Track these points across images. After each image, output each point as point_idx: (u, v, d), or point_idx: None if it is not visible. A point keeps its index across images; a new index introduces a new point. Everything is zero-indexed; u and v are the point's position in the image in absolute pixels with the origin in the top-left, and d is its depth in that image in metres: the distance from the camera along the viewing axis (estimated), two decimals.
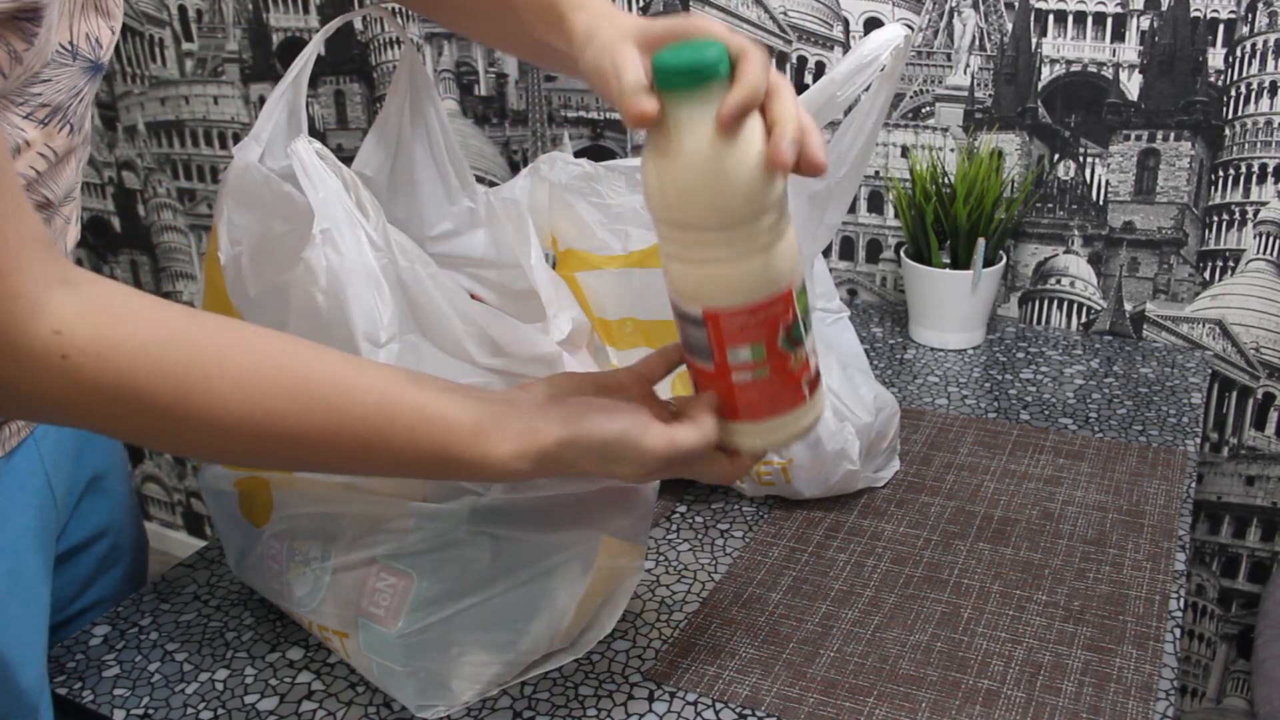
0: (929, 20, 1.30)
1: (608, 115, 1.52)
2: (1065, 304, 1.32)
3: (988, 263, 1.21)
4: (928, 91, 1.32)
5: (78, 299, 0.52)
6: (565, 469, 0.62)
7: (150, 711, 0.76)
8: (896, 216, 1.38)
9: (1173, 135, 1.22)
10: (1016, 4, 1.24)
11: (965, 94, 1.30)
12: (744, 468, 0.68)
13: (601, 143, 1.54)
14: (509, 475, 0.61)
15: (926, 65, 1.31)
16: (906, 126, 1.34)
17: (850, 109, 0.86)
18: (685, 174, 0.56)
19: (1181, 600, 0.83)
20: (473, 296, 0.76)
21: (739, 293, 0.60)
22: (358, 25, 1.65)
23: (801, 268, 0.63)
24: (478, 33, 0.81)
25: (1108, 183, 1.26)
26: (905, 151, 1.35)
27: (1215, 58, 1.17)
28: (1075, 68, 1.24)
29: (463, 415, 0.60)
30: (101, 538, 0.90)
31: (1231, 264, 1.23)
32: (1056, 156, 1.28)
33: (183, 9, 1.83)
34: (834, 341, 0.97)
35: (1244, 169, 1.20)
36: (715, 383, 0.64)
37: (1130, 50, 1.21)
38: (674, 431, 0.62)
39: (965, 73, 1.29)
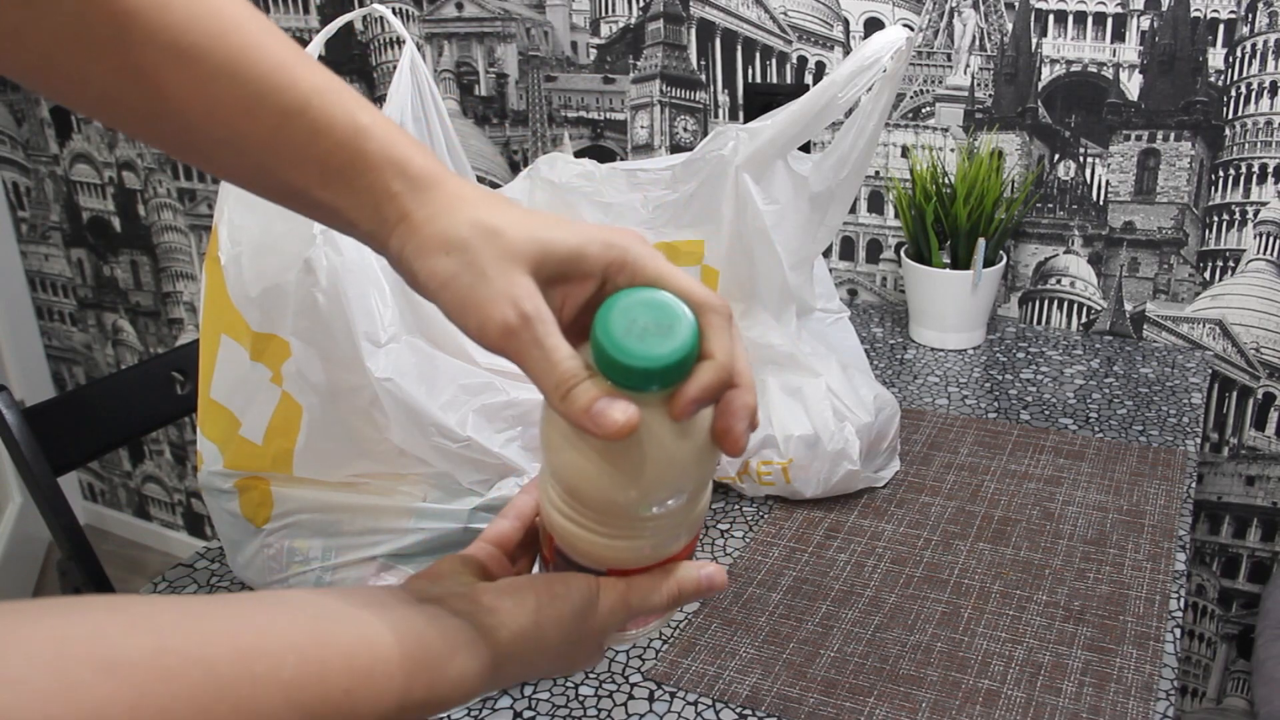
0: (929, 20, 1.30)
1: (608, 116, 1.52)
2: (1065, 304, 1.32)
3: (988, 263, 1.21)
4: (928, 91, 1.32)
5: None
6: (520, 676, 0.50)
7: None
8: (897, 216, 1.38)
9: (1173, 135, 1.22)
10: (1016, 4, 1.24)
11: (965, 94, 1.30)
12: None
13: (602, 143, 1.54)
14: (470, 694, 0.47)
15: (927, 65, 1.31)
16: (907, 126, 1.34)
17: (851, 110, 0.86)
18: (635, 470, 0.46)
19: (1181, 600, 0.83)
20: None
21: (657, 555, 0.52)
22: (358, 25, 1.65)
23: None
24: (212, 166, 0.52)
25: (1108, 183, 1.26)
26: (905, 151, 1.35)
27: (1215, 58, 1.17)
28: (1075, 68, 1.24)
29: (407, 647, 0.45)
30: None
31: (1232, 264, 1.23)
32: (1056, 156, 1.28)
33: None
34: (834, 341, 0.97)
35: (1244, 169, 1.20)
36: None
37: (1130, 50, 1.21)
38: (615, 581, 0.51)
39: (965, 73, 1.29)
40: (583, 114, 1.54)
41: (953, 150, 1.32)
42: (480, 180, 0.78)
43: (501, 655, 0.48)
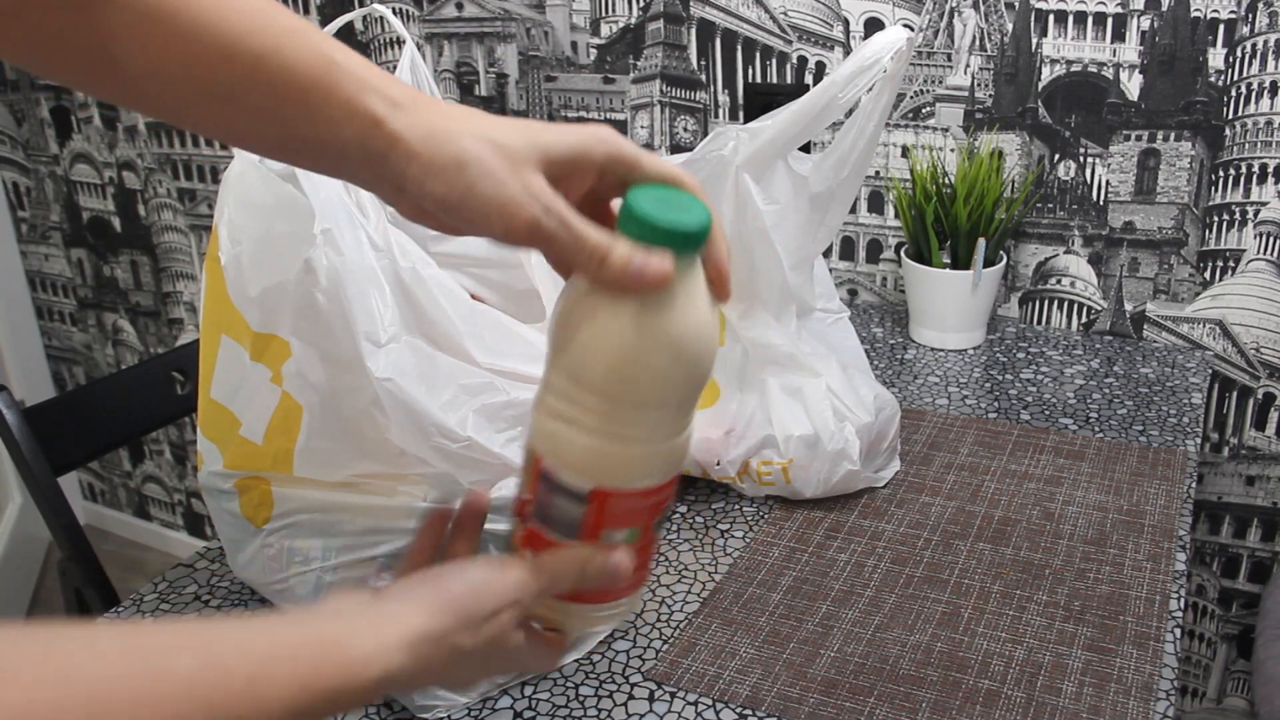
0: (929, 20, 1.30)
1: (608, 116, 1.52)
2: (1065, 304, 1.32)
3: (988, 263, 1.21)
4: (928, 92, 1.32)
5: None
6: (443, 657, 0.49)
7: None
8: (897, 216, 1.38)
9: (1173, 135, 1.22)
10: (1017, 4, 1.24)
11: (965, 94, 1.30)
12: (562, 650, 0.59)
13: None
14: (386, 676, 0.47)
15: (927, 65, 1.31)
16: (907, 126, 1.34)
17: (851, 110, 0.86)
18: (654, 353, 0.49)
19: (1182, 600, 0.83)
20: (473, 296, 0.75)
21: (644, 475, 0.52)
22: (358, 25, 1.65)
23: None
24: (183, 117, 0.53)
25: (1108, 183, 1.26)
26: (905, 151, 1.35)
27: (1215, 58, 1.17)
28: (1075, 68, 1.24)
29: (304, 632, 0.46)
30: None
31: (1232, 264, 1.23)
32: (1057, 156, 1.28)
33: None
34: (834, 341, 0.97)
35: (1244, 169, 1.20)
36: None
37: (1130, 50, 1.21)
38: (523, 565, 0.53)
39: (965, 73, 1.29)
40: (583, 114, 1.54)
41: (953, 150, 1.32)
42: None
43: (413, 633, 0.48)
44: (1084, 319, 1.32)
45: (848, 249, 1.42)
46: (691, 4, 1.41)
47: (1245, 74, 1.16)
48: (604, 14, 1.48)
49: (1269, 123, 1.17)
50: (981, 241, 1.19)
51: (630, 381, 0.50)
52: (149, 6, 0.47)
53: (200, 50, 0.48)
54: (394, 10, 1.62)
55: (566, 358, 0.51)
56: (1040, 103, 1.27)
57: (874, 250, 1.41)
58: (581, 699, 0.76)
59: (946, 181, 1.26)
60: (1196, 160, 1.21)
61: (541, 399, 0.53)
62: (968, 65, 1.29)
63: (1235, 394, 1.27)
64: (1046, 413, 1.11)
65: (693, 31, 1.43)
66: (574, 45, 1.51)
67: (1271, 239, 1.21)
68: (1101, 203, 1.27)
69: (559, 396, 0.51)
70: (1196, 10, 1.17)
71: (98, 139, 2.04)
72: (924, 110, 1.33)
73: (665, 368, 0.50)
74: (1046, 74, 1.25)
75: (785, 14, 1.36)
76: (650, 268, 0.47)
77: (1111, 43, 1.21)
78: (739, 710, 0.74)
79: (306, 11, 1.68)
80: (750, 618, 0.82)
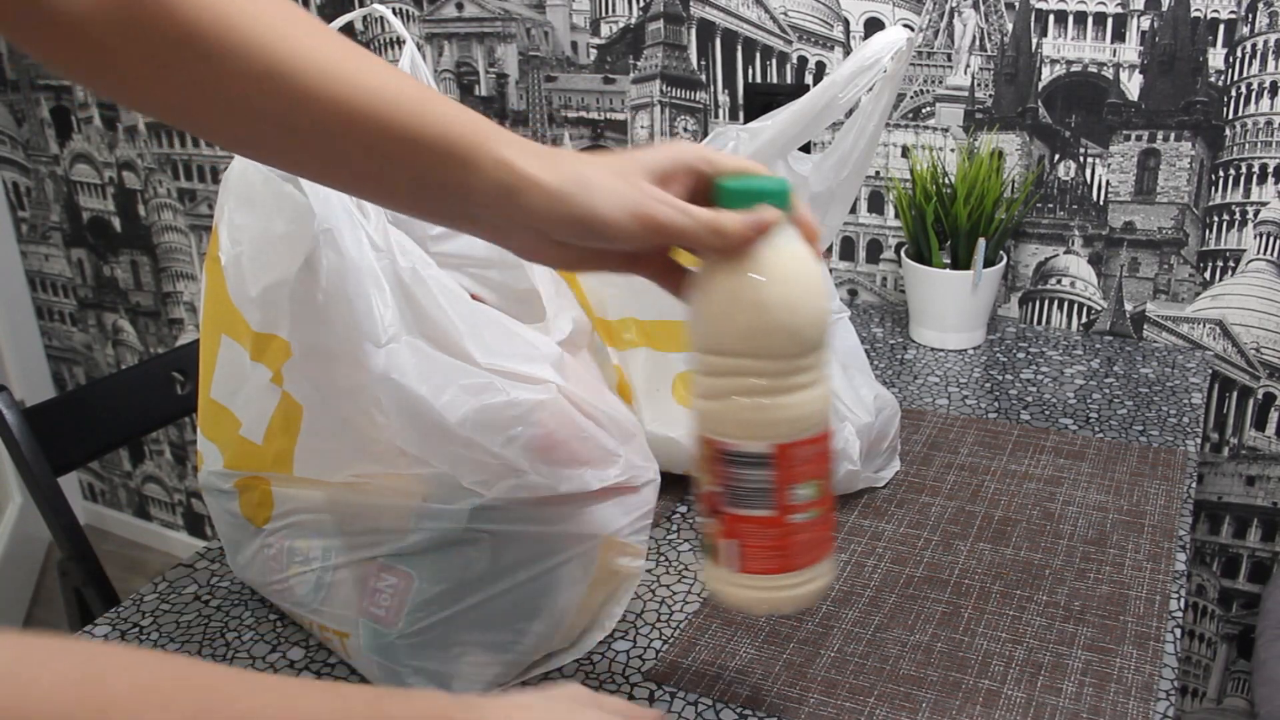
0: (929, 20, 1.30)
1: (608, 116, 1.52)
2: (1066, 304, 1.32)
3: (988, 263, 1.21)
4: (928, 92, 1.32)
5: None
6: None
7: None
8: (897, 216, 1.38)
9: (1173, 135, 1.22)
10: (1017, 4, 1.24)
11: (965, 94, 1.30)
12: None
13: (602, 143, 1.54)
14: None
15: (927, 65, 1.31)
16: (907, 127, 1.34)
17: (851, 111, 0.86)
18: (791, 297, 0.58)
19: (1182, 600, 0.83)
20: (473, 297, 0.75)
21: (812, 422, 0.60)
22: (358, 25, 1.65)
23: None
24: (322, 174, 0.62)
25: (1108, 183, 1.26)
26: (906, 152, 1.35)
27: (1215, 58, 1.17)
28: (1075, 68, 1.24)
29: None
30: None
31: (1232, 264, 1.23)
32: (1057, 156, 1.28)
33: None
34: (834, 342, 0.97)
35: (1244, 169, 1.20)
36: (766, 530, 0.61)
37: (1130, 50, 1.21)
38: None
39: (965, 73, 1.29)
40: (583, 114, 1.54)
41: (953, 150, 1.32)
42: None
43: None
44: (1084, 319, 1.32)
45: (848, 249, 1.42)
46: (691, 4, 1.41)
47: (1245, 74, 1.17)
48: (604, 14, 1.48)
49: (1269, 123, 1.17)
50: (981, 241, 1.19)
51: (777, 330, 0.58)
52: (278, 73, 0.54)
53: (333, 114, 0.55)
54: (394, 10, 1.62)
55: (715, 338, 0.59)
56: (1040, 103, 1.27)
57: (874, 250, 1.41)
58: None
59: (946, 181, 1.26)
60: (1196, 160, 1.21)
61: (699, 390, 0.61)
62: (968, 65, 1.29)
63: (1235, 394, 1.27)
64: (1046, 413, 1.11)
65: (693, 31, 1.43)
66: (574, 45, 1.51)
67: (1271, 239, 1.21)
68: (1101, 203, 1.27)
69: (718, 376, 0.59)
70: (1196, 10, 1.17)
71: (98, 139, 2.04)
72: (924, 110, 1.33)
73: (801, 309, 0.58)
74: (1046, 74, 1.25)
75: (785, 14, 1.36)
76: (760, 217, 0.58)
77: (1111, 43, 1.21)
78: (739, 710, 0.74)
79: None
80: (750, 618, 0.82)
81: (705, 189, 0.60)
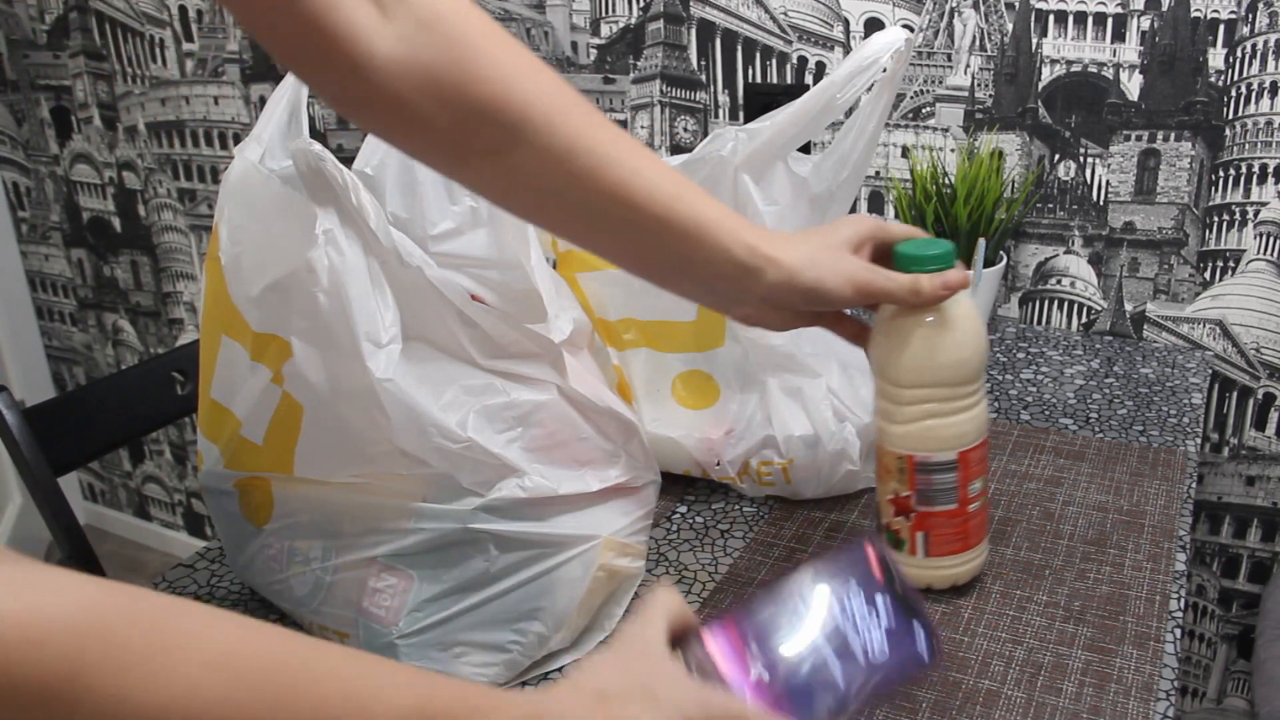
0: (929, 20, 1.30)
1: (608, 116, 1.52)
2: (1065, 304, 1.32)
3: (988, 263, 1.21)
4: (928, 92, 1.32)
5: (5, 570, 0.44)
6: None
7: None
8: (897, 216, 1.38)
9: (1173, 135, 1.22)
10: (1017, 4, 1.24)
11: (965, 94, 1.30)
12: None
13: None
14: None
15: (927, 65, 1.31)
16: (907, 127, 1.34)
17: (851, 111, 0.86)
18: (965, 336, 0.75)
19: (1182, 600, 0.83)
20: (473, 297, 0.75)
21: (980, 430, 0.78)
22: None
23: None
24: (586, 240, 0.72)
25: (1108, 183, 1.26)
26: (905, 152, 1.35)
27: (1215, 58, 1.17)
28: (1075, 68, 1.24)
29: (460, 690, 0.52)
30: None
31: (1232, 264, 1.23)
32: (1057, 157, 1.28)
33: (183, 9, 1.83)
34: (834, 341, 0.97)
35: (1244, 169, 1.20)
36: (951, 520, 0.79)
37: (1130, 50, 1.21)
38: None
39: (965, 73, 1.29)
40: None
41: (953, 150, 1.32)
42: None
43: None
44: (1084, 319, 1.32)
45: None
46: (691, 4, 1.41)
47: (1245, 74, 1.17)
48: (604, 14, 1.48)
49: (1269, 123, 1.17)
50: (981, 242, 1.19)
51: (961, 364, 0.75)
52: (571, 153, 0.64)
53: (610, 196, 0.65)
54: None
55: (910, 375, 0.75)
56: (1040, 103, 1.27)
57: None
58: None
59: (946, 182, 1.26)
60: (1196, 160, 1.21)
61: (892, 417, 0.77)
62: (968, 65, 1.29)
63: (1235, 394, 1.27)
64: (1046, 413, 1.11)
65: (693, 31, 1.43)
66: (574, 45, 1.51)
67: (1271, 239, 1.21)
68: (1101, 203, 1.27)
69: (910, 405, 0.76)
70: (1196, 10, 1.17)
71: (98, 139, 2.04)
72: (924, 110, 1.33)
73: (973, 345, 0.75)
74: (1046, 74, 1.25)
75: (785, 14, 1.36)
76: (951, 278, 0.73)
77: (1111, 43, 1.21)
78: None
79: None
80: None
81: (880, 252, 0.75)
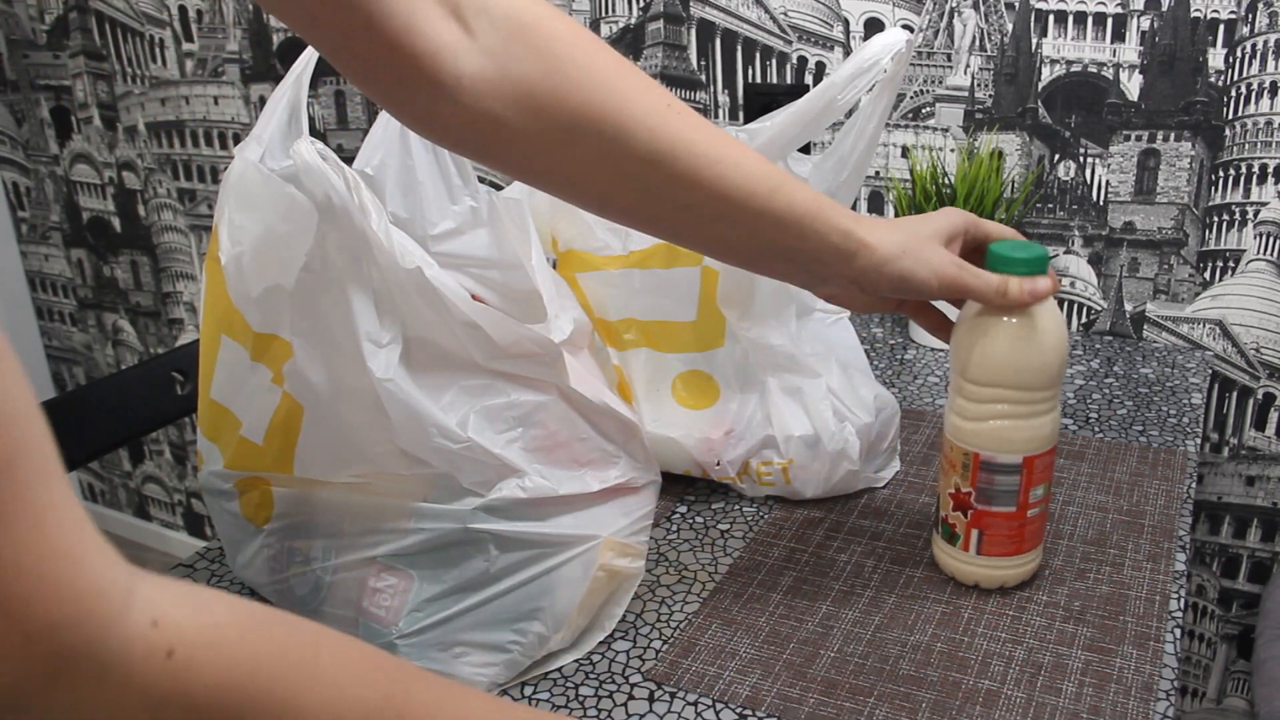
0: (929, 20, 1.30)
1: None
2: (1065, 304, 1.32)
3: None
4: (928, 92, 1.32)
5: (157, 581, 0.41)
6: None
7: None
8: (897, 217, 1.38)
9: (1173, 135, 1.22)
10: (1016, 4, 1.25)
11: (965, 94, 1.30)
12: None
13: None
14: None
15: (927, 65, 1.31)
16: (907, 127, 1.34)
17: (851, 112, 0.86)
18: (1047, 342, 0.75)
19: (1182, 600, 0.83)
20: (474, 297, 0.76)
21: (1049, 438, 0.78)
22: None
23: None
24: (686, 237, 0.73)
25: (1108, 183, 1.26)
26: (905, 152, 1.35)
27: (1215, 58, 1.17)
28: (1075, 68, 1.24)
29: None
30: None
31: (1232, 264, 1.23)
32: (1056, 157, 1.28)
33: (183, 9, 1.83)
34: (834, 341, 0.97)
35: (1244, 169, 1.20)
36: (1009, 522, 0.80)
37: (1130, 50, 1.21)
38: None
39: (965, 73, 1.29)
40: None
41: (953, 150, 1.32)
42: (481, 180, 0.79)
43: None
44: (1084, 319, 1.32)
45: None
46: (691, 4, 1.41)
47: (1245, 74, 1.17)
48: (604, 14, 1.48)
49: (1269, 123, 1.17)
50: None
51: (1039, 369, 0.75)
52: (661, 157, 0.64)
53: (706, 194, 0.66)
54: None
55: (987, 373, 0.75)
56: (1040, 103, 1.27)
57: None
58: (581, 699, 0.76)
59: (946, 182, 1.26)
60: (1196, 160, 1.21)
61: (964, 413, 0.78)
62: (968, 65, 1.29)
63: (1235, 394, 1.27)
64: None
65: (693, 32, 1.43)
66: None
67: (1271, 239, 1.21)
68: (1101, 203, 1.27)
69: (983, 403, 0.76)
70: (1196, 10, 1.17)
71: (98, 139, 2.04)
72: (924, 110, 1.33)
73: (1053, 352, 0.75)
74: (1046, 74, 1.25)
75: (785, 14, 1.36)
76: (1040, 285, 0.74)
77: (1111, 43, 1.21)
78: (739, 710, 0.74)
79: None
80: (750, 618, 0.83)
81: (971, 247, 0.76)
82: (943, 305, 0.79)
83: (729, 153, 0.66)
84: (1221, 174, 1.21)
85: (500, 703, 0.53)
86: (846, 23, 1.34)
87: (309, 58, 0.81)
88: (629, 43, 1.47)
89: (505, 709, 0.52)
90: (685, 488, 1.00)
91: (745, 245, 0.70)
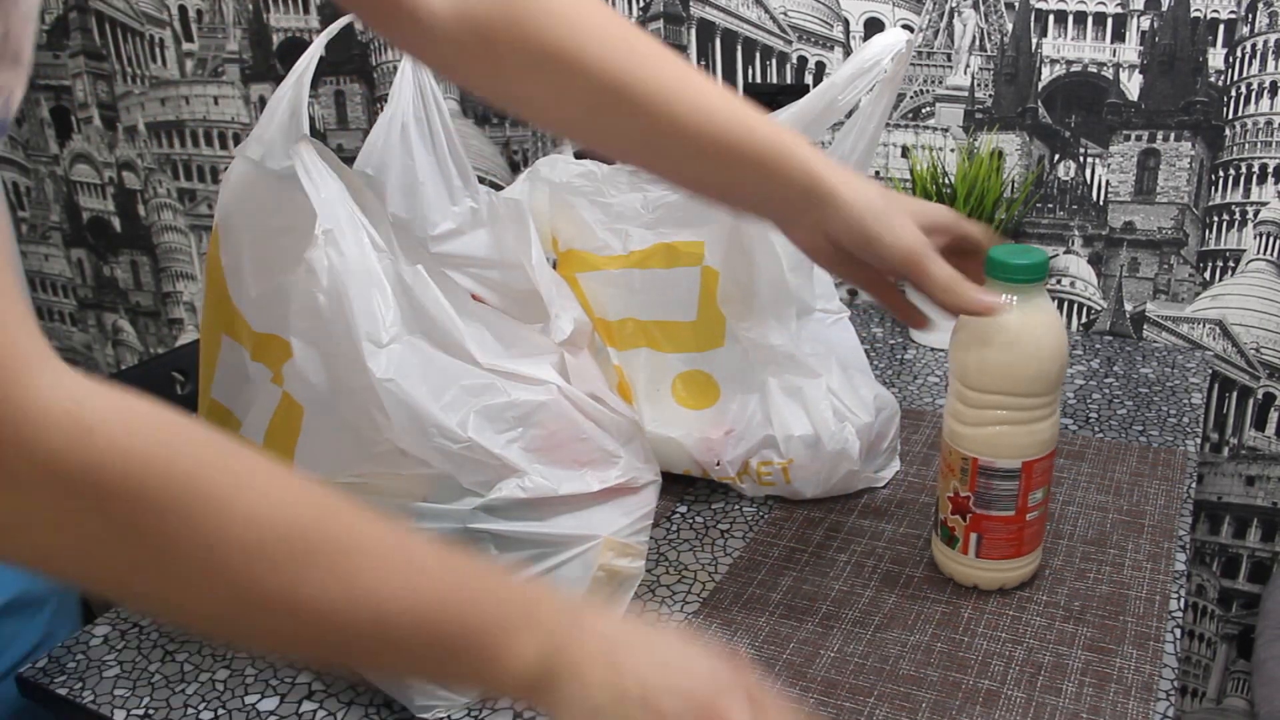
0: (929, 20, 1.30)
1: None
2: (1065, 304, 1.32)
3: None
4: (928, 92, 1.32)
5: (85, 377, 0.42)
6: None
7: (151, 711, 0.76)
8: None
9: (1173, 135, 1.22)
10: (1016, 4, 1.25)
11: (965, 94, 1.30)
12: None
13: None
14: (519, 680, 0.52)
15: (927, 65, 1.31)
16: (907, 127, 1.34)
17: (851, 112, 0.86)
18: (1045, 349, 0.74)
19: (1182, 600, 0.83)
20: (474, 297, 0.76)
21: (1048, 443, 0.78)
22: (359, 26, 1.65)
23: None
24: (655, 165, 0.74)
25: (1108, 183, 1.26)
26: (905, 152, 1.35)
27: (1215, 58, 1.17)
28: (1075, 68, 1.24)
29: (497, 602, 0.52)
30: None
31: (1232, 264, 1.23)
32: (1056, 157, 1.28)
33: (183, 9, 1.83)
34: (834, 341, 0.97)
35: (1244, 169, 1.20)
36: (1007, 526, 0.80)
37: (1130, 50, 1.21)
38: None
39: (965, 73, 1.29)
40: None
41: (953, 150, 1.32)
42: (481, 181, 0.79)
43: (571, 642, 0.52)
44: (1084, 319, 1.32)
45: None
46: (691, 4, 1.41)
47: (1245, 74, 1.17)
48: None
49: (1269, 123, 1.17)
50: None
51: (1038, 377, 0.75)
52: (624, 92, 0.66)
53: (669, 129, 0.67)
54: None
55: (986, 379, 0.75)
56: (1040, 103, 1.27)
57: None
58: None
59: (946, 182, 1.26)
60: (1196, 160, 1.21)
61: (962, 418, 0.78)
62: (968, 65, 1.29)
63: (1235, 394, 1.27)
64: None
65: (693, 31, 1.43)
66: None
67: (1271, 239, 1.21)
68: (1101, 203, 1.27)
69: (982, 408, 0.76)
70: (1196, 10, 1.17)
71: (98, 139, 2.04)
72: (924, 110, 1.33)
73: (1052, 360, 0.75)
74: (1046, 74, 1.25)
75: (785, 14, 1.36)
76: (983, 300, 0.70)
77: (1111, 43, 1.21)
78: None
79: (306, 12, 1.68)
80: (750, 618, 0.83)
81: (953, 249, 0.73)
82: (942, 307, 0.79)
83: (687, 88, 0.67)
84: (1221, 174, 1.21)
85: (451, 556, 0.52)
86: (846, 23, 1.34)
87: (310, 58, 0.80)
88: None
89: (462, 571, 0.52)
90: (685, 488, 1.00)
91: (712, 182, 0.71)
